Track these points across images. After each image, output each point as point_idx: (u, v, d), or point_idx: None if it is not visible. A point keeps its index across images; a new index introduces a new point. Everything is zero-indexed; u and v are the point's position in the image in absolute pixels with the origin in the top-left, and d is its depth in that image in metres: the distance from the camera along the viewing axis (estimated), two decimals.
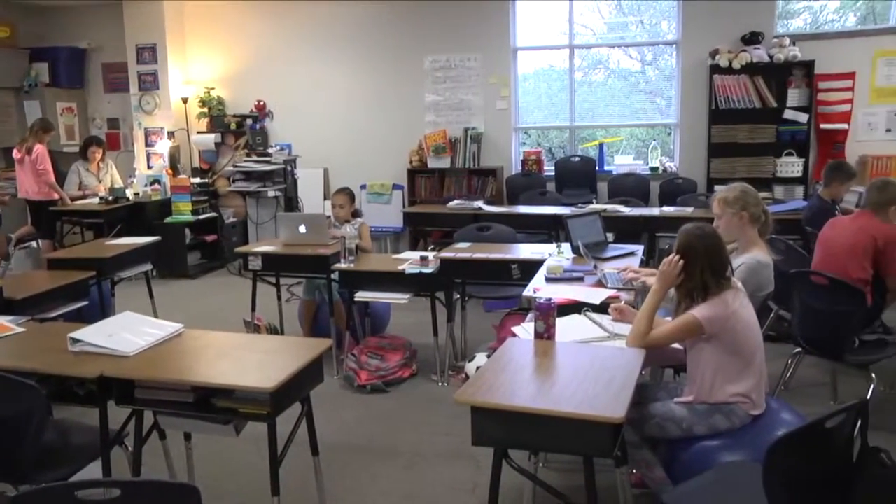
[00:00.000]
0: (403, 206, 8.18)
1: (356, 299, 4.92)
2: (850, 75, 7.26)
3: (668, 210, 6.55)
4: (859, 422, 2.25)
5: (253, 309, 5.44)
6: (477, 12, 8.00)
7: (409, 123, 8.30)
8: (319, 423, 3.16)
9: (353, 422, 4.33)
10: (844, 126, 7.30)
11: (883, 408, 4.24)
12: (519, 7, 8.07)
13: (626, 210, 6.51)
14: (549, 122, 8.59)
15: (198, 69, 9.02)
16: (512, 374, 2.65)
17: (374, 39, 8.36)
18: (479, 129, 8.12)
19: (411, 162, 8.23)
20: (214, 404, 2.76)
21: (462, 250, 5.00)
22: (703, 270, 2.88)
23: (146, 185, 8.04)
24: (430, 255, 4.96)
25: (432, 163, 8.10)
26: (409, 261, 4.90)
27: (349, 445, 4.00)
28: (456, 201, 7.17)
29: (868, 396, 3.80)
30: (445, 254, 4.90)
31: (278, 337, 5.11)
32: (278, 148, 8.48)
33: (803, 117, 7.22)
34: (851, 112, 7.29)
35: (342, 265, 4.88)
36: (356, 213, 5.62)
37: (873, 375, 3.91)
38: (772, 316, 4.71)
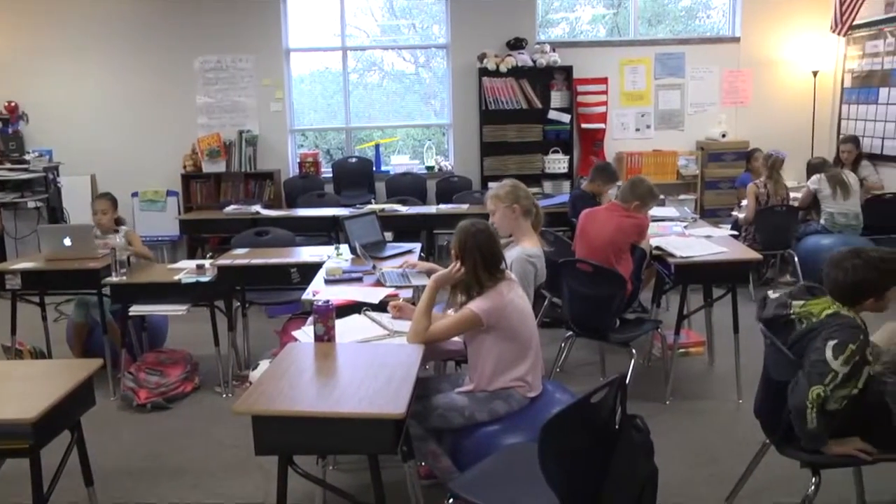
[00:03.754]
0: (179, 213, 7.80)
1: (131, 314, 4.63)
2: (604, 80, 7.89)
3: (445, 208, 6.76)
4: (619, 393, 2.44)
5: (13, 332, 4.94)
6: (248, 12, 7.79)
7: (182, 126, 7.91)
8: (95, 450, 2.95)
9: (133, 444, 4.06)
10: (602, 126, 7.92)
11: (642, 379, 4.64)
12: (290, 8, 7.96)
13: (403, 209, 6.63)
14: (326, 124, 8.56)
15: None
16: (292, 379, 2.61)
17: (141, 37, 7.82)
18: (254, 131, 7.92)
19: (185, 167, 7.85)
20: None
21: (240, 256, 4.86)
22: (478, 265, 3.00)
23: None
24: (207, 262, 4.77)
25: (207, 167, 7.79)
26: (186, 270, 4.69)
27: (130, 470, 3.76)
28: (233, 206, 6.94)
29: (630, 370, 4.15)
30: (223, 261, 4.74)
31: (43, 361, 4.70)
32: (37, 154, 7.71)
33: (566, 118, 7.73)
34: (607, 113, 7.92)
35: (113, 279, 4.57)
36: (119, 221, 5.27)
37: (633, 351, 4.27)
38: (545, 303, 5.00)
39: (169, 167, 7.88)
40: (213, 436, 4.11)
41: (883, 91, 7.35)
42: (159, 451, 3.98)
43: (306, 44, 8.15)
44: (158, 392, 4.52)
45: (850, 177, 6.54)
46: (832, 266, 2.75)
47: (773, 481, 3.34)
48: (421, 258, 4.70)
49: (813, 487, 2.73)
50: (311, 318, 3.08)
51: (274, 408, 2.38)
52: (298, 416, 2.35)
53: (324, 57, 8.37)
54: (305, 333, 3.20)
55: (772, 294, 3.05)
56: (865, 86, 7.63)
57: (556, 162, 7.79)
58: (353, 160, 8.05)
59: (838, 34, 7.38)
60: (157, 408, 4.47)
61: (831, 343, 2.57)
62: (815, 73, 7.96)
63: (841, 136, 7.65)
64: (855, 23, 7.21)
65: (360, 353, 2.91)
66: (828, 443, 2.67)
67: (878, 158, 7.36)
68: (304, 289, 3.93)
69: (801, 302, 2.75)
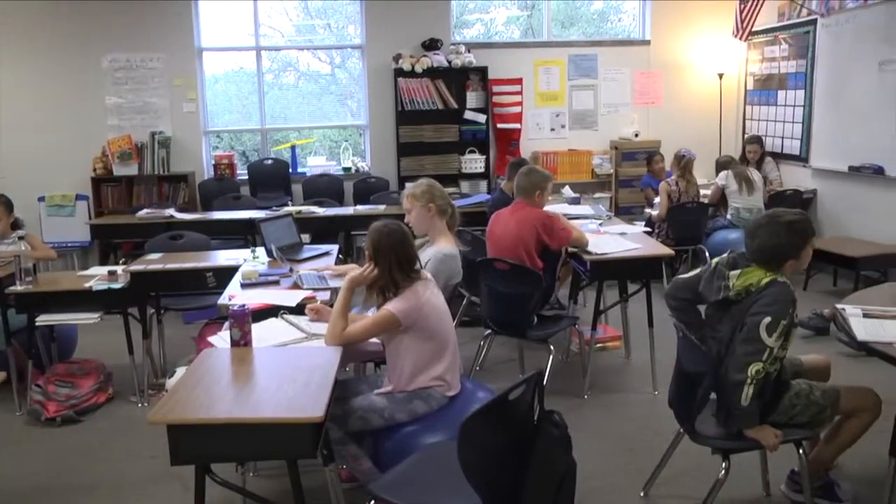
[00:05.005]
0: (89, 218, 7.53)
1: (38, 324, 4.45)
2: (518, 80, 8.00)
3: (362, 209, 6.73)
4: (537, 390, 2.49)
5: None
6: (157, 10, 7.58)
7: (91, 128, 7.63)
8: None
9: (42, 461, 3.90)
10: (517, 126, 8.02)
11: (560, 374, 4.74)
12: (202, 6, 7.79)
13: (320, 211, 6.59)
14: (241, 126, 8.41)
15: None
16: (208, 385, 2.56)
17: (45, 34, 7.49)
18: (167, 133, 7.72)
19: (95, 170, 7.59)
20: None
21: (154, 261, 4.74)
22: (392, 266, 3.00)
23: None
24: (120, 268, 4.63)
25: (118, 170, 7.56)
26: (97, 277, 4.54)
27: (38, 488, 3.61)
28: (146, 210, 6.76)
29: (548, 366, 4.23)
30: (136, 266, 4.61)
31: None
32: None
33: (482, 118, 7.81)
34: (522, 113, 8.03)
35: (18, 287, 4.38)
36: (16, 225, 5.05)
37: (552, 347, 4.35)
38: (464, 302, 5.04)
39: (78, 170, 7.60)
40: (129, 447, 3.99)
41: (781, 93, 7.70)
42: (71, 466, 3.83)
43: (219, 43, 8.00)
44: (69, 405, 4.36)
45: (755, 174, 6.85)
46: (750, 235, 2.90)
47: (687, 468, 3.46)
48: (339, 260, 4.68)
49: (723, 472, 2.87)
50: (227, 323, 3.03)
51: (189, 416, 2.33)
52: (215, 424, 2.31)
53: (238, 57, 8.23)
54: (222, 339, 3.14)
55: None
56: (766, 88, 7.97)
57: (473, 162, 7.86)
58: (269, 162, 7.94)
59: (740, 39, 7.67)
60: (67, 421, 4.31)
61: (765, 321, 2.71)
62: (720, 76, 8.26)
63: (746, 136, 7.96)
64: (754, 29, 7.51)
65: (277, 357, 2.88)
66: (757, 423, 2.80)
67: (778, 157, 7.71)
68: (221, 293, 3.86)
69: (738, 272, 2.86)
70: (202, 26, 7.84)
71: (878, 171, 6.36)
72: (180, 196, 7.63)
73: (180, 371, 4.35)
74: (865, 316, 3.05)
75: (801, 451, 2.90)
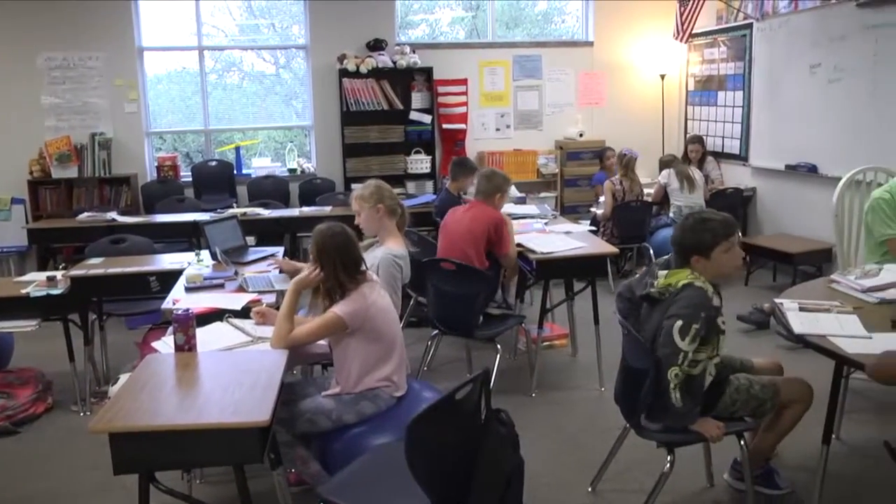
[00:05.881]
0: (27, 222, 7.32)
1: None
2: (463, 81, 8.04)
3: (308, 210, 6.69)
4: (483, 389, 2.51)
5: None
6: (95, 7, 7.36)
7: (26, 129, 7.39)
8: None
9: None
10: (463, 126, 8.06)
11: (508, 373, 4.77)
12: (143, 5, 7.62)
13: (266, 213, 6.53)
14: (184, 126, 8.27)
15: None
16: (151, 392, 2.52)
17: None
18: (107, 134, 7.54)
19: (32, 172, 7.37)
20: None
21: (95, 266, 4.64)
22: (337, 268, 2.99)
23: None
24: (59, 274, 4.53)
25: (57, 172, 7.35)
26: (35, 282, 4.42)
27: None
28: (87, 214, 6.60)
29: (495, 365, 4.26)
30: (76, 271, 4.51)
31: None
32: None
33: (427, 118, 7.82)
34: (467, 114, 8.07)
35: None
36: None
37: (499, 346, 4.39)
38: (411, 303, 5.04)
39: (13, 173, 7.36)
40: (70, 458, 3.89)
41: (721, 94, 7.88)
42: (8, 480, 3.71)
43: (161, 42, 7.84)
44: (5, 416, 4.23)
45: (696, 172, 7.01)
46: (673, 232, 3.02)
47: (633, 463, 3.53)
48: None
49: (668, 465, 2.93)
50: (171, 328, 2.98)
51: (132, 423, 2.30)
52: (159, 431, 2.28)
53: (180, 56, 8.08)
54: (166, 344, 3.10)
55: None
56: (706, 89, 8.15)
57: (419, 162, 7.87)
58: (214, 163, 7.83)
59: (680, 41, 7.83)
60: (4, 433, 4.17)
61: (678, 325, 2.75)
62: (662, 77, 8.42)
63: (688, 136, 8.12)
64: (694, 32, 7.67)
65: (222, 361, 2.85)
66: (697, 420, 2.87)
67: (720, 156, 7.89)
68: (165, 298, 3.81)
69: (665, 273, 2.93)
70: (143, 25, 7.67)
71: (813, 170, 6.56)
72: (122, 199, 7.46)
73: (123, 378, 4.25)
74: (801, 310, 3.14)
75: (742, 441, 2.99)
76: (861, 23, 5.92)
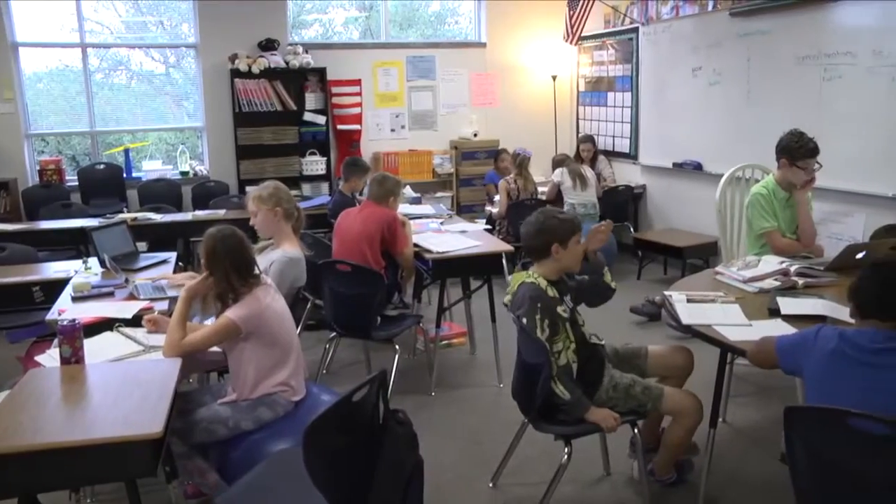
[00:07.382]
0: None
1: None
2: (357, 82, 8.00)
3: (201, 214, 6.52)
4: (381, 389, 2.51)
5: None
6: None
7: None
8: None
9: None
10: (357, 127, 8.03)
11: (407, 373, 4.80)
12: None
13: (157, 217, 6.33)
14: (68, 128, 7.91)
15: None
16: (33, 409, 2.41)
17: None
18: None
19: None
20: None
21: None
22: (229, 272, 2.94)
23: None
24: None
25: None
26: None
27: None
28: None
29: (394, 366, 4.28)
30: None
31: None
32: None
33: (321, 119, 7.76)
34: (362, 114, 8.04)
35: None
36: None
37: (397, 347, 4.40)
38: (308, 306, 4.99)
39: None
40: None
41: (610, 95, 8.14)
42: None
43: (38, 38, 7.47)
44: None
45: (588, 171, 7.20)
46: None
47: (533, 456, 3.62)
48: (178, 268, 4.53)
49: (566, 457, 3.02)
50: (56, 340, 2.86)
51: (10, 444, 2.18)
52: (41, 450, 2.17)
53: (62, 54, 7.72)
54: (51, 357, 2.97)
55: None
56: (596, 90, 8.40)
57: (314, 164, 7.80)
58: (101, 167, 7.53)
59: (570, 43, 8.03)
60: None
61: (523, 322, 2.92)
62: (554, 78, 8.61)
63: (580, 136, 8.34)
64: (583, 34, 7.88)
65: (112, 372, 2.76)
66: (590, 407, 2.96)
67: (611, 155, 8.15)
68: (50, 308, 3.65)
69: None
70: (15, 19, 7.26)
71: (698, 168, 6.87)
72: (1, 205, 7.08)
73: (4, 395, 4.08)
74: (689, 301, 3.27)
75: (635, 430, 3.10)
76: (735, 30, 6.24)
